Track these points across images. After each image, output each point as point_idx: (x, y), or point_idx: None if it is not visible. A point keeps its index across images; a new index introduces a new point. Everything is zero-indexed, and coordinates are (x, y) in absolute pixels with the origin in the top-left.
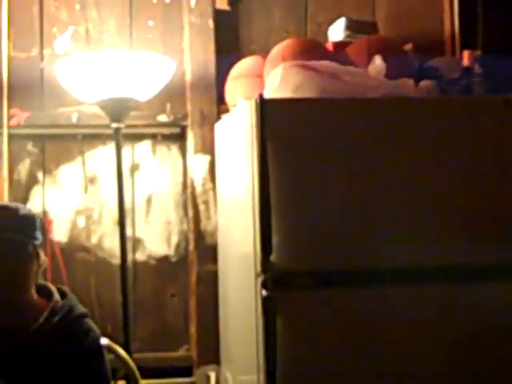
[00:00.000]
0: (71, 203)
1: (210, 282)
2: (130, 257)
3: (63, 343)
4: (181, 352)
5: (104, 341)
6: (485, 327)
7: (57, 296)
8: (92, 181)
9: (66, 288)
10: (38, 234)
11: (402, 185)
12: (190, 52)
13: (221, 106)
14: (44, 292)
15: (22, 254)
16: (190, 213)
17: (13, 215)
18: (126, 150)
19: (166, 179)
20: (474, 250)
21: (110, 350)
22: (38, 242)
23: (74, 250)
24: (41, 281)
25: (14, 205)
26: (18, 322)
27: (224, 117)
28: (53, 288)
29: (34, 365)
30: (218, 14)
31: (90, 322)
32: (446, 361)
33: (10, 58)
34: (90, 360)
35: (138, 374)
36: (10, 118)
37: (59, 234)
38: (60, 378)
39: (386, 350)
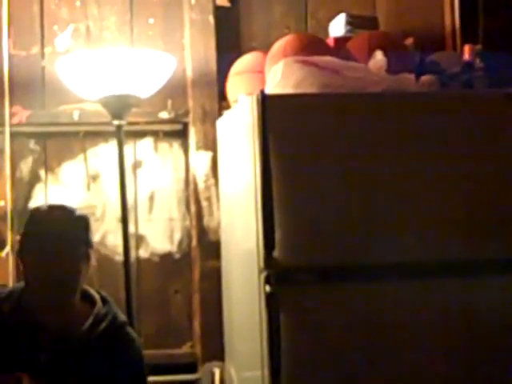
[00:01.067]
0: (74, 201)
1: (214, 279)
2: (133, 254)
3: (109, 351)
4: (185, 349)
5: None
6: (487, 322)
7: (99, 302)
8: (94, 178)
9: (105, 293)
10: (91, 237)
11: (403, 180)
12: (190, 48)
13: (222, 102)
14: (86, 297)
15: (75, 256)
16: (193, 209)
17: (70, 216)
18: (128, 147)
19: (168, 176)
20: (475, 245)
21: None
22: (90, 246)
23: None
24: (84, 286)
25: (69, 206)
26: (61, 323)
27: (225, 113)
28: (94, 293)
29: (76, 370)
30: (218, 11)
31: (132, 330)
32: (449, 356)
33: (10, 57)
34: (135, 368)
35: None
36: (11, 116)
37: None
38: None
39: (389, 344)
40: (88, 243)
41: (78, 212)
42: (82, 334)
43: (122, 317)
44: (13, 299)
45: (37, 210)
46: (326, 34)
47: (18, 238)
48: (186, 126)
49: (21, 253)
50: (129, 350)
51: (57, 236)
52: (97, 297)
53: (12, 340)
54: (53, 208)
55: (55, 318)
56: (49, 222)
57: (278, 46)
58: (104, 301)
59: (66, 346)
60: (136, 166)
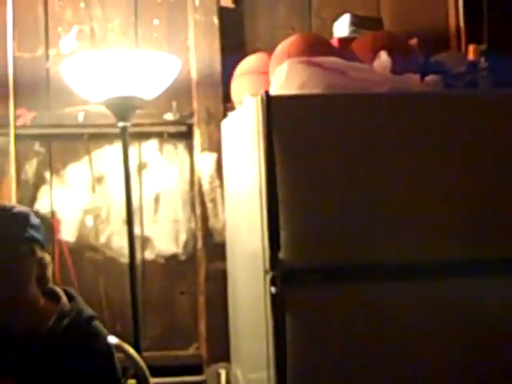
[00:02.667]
0: (79, 203)
1: (219, 280)
2: (138, 256)
3: (73, 347)
4: (190, 350)
5: (113, 340)
6: (488, 323)
7: (64, 299)
8: (99, 180)
9: (72, 290)
10: (33, 232)
11: (408, 179)
12: (195, 50)
13: (227, 103)
14: (51, 295)
15: (15, 253)
16: (198, 211)
17: (5, 214)
18: (133, 148)
19: (173, 177)
20: (477, 246)
21: (119, 348)
22: (31, 239)
23: (82, 250)
24: (49, 285)
25: (9, 204)
26: (25, 324)
27: (230, 114)
28: (60, 291)
29: (43, 368)
30: (222, 12)
31: (98, 324)
32: (452, 356)
33: (15, 59)
34: (100, 363)
35: (147, 372)
36: (16, 118)
37: (67, 233)
38: (70, 382)
39: (395, 345)
40: (29, 239)
41: (15, 209)
42: (47, 331)
43: (89, 311)
44: None
45: None
46: (331, 34)
47: None
48: (190, 127)
49: None
50: (94, 343)
51: None
52: (62, 294)
53: None
54: None
55: (14, 319)
56: None
57: (283, 46)
58: (70, 298)
59: (33, 344)
60: (141, 167)
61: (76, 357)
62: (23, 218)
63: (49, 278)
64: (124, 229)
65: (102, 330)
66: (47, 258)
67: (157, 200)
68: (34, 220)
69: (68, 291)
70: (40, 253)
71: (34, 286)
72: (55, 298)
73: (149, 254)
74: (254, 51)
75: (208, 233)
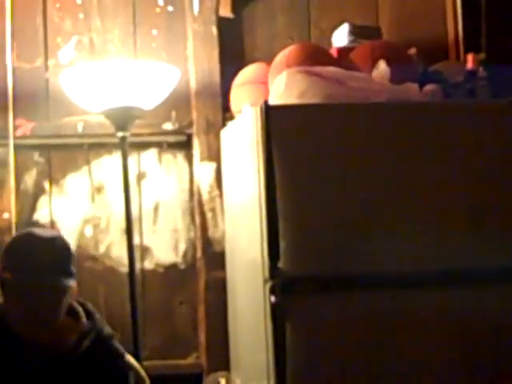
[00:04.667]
0: (78, 212)
1: (219, 289)
2: (137, 265)
3: (93, 366)
4: (190, 359)
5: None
6: (489, 330)
7: (84, 318)
8: (99, 190)
9: (89, 305)
10: (73, 268)
11: (407, 189)
12: (194, 60)
13: (226, 113)
14: (69, 311)
15: (57, 289)
16: (197, 220)
17: (51, 247)
18: (132, 158)
19: (172, 187)
20: (480, 253)
21: None
22: (72, 275)
23: (81, 259)
24: None
25: (51, 234)
26: (45, 339)
27: (229, 124)
28: (78, 307)
29: None
30: (221, 22)
31: (117, 343)
32: (451, 364)
33: (14, 69)
34: (119, 381)
35: (148, 381)
36: (15, 128)
37: None
38: None
39: (394, 354)
40: (69, 274)
41: (60, 241)
42: (68, 351)
43: (108, 330)
44: None
45: (17, 239)
46: (329, 44)
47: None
48: (189, 137)
49: (2, 288)
50: (114, 364)
51: (35, 271)
52: (81, 310)
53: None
54: (32, 238)
55: (39, 336)
56: (27, 256)
57: (282, 56)
58: (88, 314)
59: (53, 361)
60: (140, 177)
61: (96, 376)
62: (67, 253)
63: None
64: (123, 238)
65: (120, 349)
66: (75, 285)
67: (156, 209)
68: (73, 254)
69: (85, 307)
70: (74, 284)
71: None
72: (74, 314)
73: (148, 264)
74: (253, 61)
75: (207, 242)
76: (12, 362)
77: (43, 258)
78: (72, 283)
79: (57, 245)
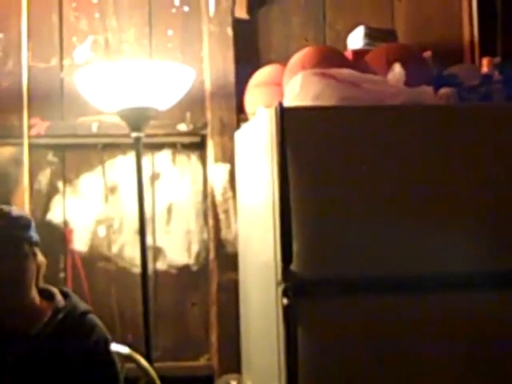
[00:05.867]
0: (92, 213)
1: (231, 291)
2: (150, 266)
3: (68, 341)
4: (202, 361)
5: (125, 350)
6: (494, 334)
7: (59, 296)
8: (112, 190)
9: (67, 289)
10: (33, 234)
11: (421, 192)
12: (209, 61)
13: (240, 114)
14: (46, 295)
15: (18, 253)
16: (211, 222)
17: (5, 216)
18: (146, 159)
19: (186, 188)
20: (486, 257)
21: (131, 359)
22: (33, 241)
23: (94, 260)
24: (43, 285)
25: (6, 207)
26: (21, 325)
27: (244, 125)
28: (55, 290)
29: (40, 366)
30: (237, 23)
31: (94, 317)
32: (458, 367)
33: (29, 68)
34: (97, 354)
35: (159, 383)
36: (30, 127)
37: (80, 243)
38: (67, 378)
39: (408, 357)
40: (30, 241)
41: (16, 212)
42: (42, 326)
43: (83, 306)
44: None
45: None
46: (345, 46)
47: None
48: (204, 138)
49: None
50: (91, 335)
51: None
52: (56, 292)
53: None
54: None
55: (14, 317)
56: None
57: (297, 58)
58: (65, 295)
59: (30, 342)
60: (154, 178)
61: (73, 350)
62: (25, 221)
63: (42, 277)
64: (136, 239)
65: (98, 323)
66: (42, 258)
67: (169, 210)
68: (32, 222)
69: (63, 290)
70: (39, 254)
71: (34, 288)
72: (50, 296)
73: (161, 265)
74: (268, 62)
75: (220, 244)
76: None
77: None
78: (32, 244)
79: (13, 213)
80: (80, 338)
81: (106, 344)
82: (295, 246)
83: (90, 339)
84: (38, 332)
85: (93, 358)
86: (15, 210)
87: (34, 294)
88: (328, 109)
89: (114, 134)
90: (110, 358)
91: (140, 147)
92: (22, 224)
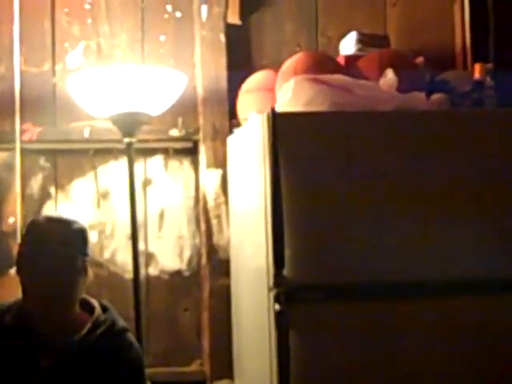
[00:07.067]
0: (84, 218)
1: (223, 297)
2: (142, 271)
3: (104, 357)
4: (194, 366)
5: None
6: (494, 339)
7: (98, 309)
8: (104, 195)
9: (107, 302)
10: (88, 249)
11: (413, 197)
12: (201, 66)
13: (233, 120)
14: (85, 306)
15: (73, 269)
16: (203, 227)
17: (66, 229)
18: (138, 164)
19: (178, 194)
20: (485, 262)
21: None
22: (87, 257)
23: None
24: (83, 296)
25: (67, 218)
26: (59, 335)
27: (236, 131)
28: (95, 302)
29: (71, 378)
30: (229, 29)
31: (132, 336)
32: (455, 372)
33: (22, 73)
34: (131, 373)
35: None
36: (22, 132)
37: None
38: None
39: (399, 363)
40: (85, 255)
41: (76, 224)
42: (80, 338)
43: (122, 323)
44: (13, 311)
45: (34, 222)
46: (337, 52)
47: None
48: (196, 143)
49: (18, 267)
50: (128, 354)
51: (53, 251)
52: (96, 305)
53: (14, 349)
54: (50, 220)
55: (55, 327)
56: (45, 236)
57: (289, 64)
58: (104, 309)
59: (66, 352)
60: (146, 183)
61: (109, 366)
62: (82, 234)
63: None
64: (128, 244)
65: (135, 342)
66: (91, 271)
67: (161, 216)
68: (88, 233)
69: (102, 303)
70: (89, 267)
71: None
72: (89, 308)
73: (153, 270)
74: (261, 68)
75: (212, 249)
76: (27, 357)
77: (58, 233)
78: (87, 260)
79: (73, 225)
80: (116, 355)
81: (141, 365)
82: (287, 252)
83: (125, 358)
84: (75, 343)
85: (125, 377)
86: (75, 223)
87: (77, 305)
88: (320, 114)
89: (106, 139)
90: (143, 379)
91: (132, 152)
92: (80, 239)
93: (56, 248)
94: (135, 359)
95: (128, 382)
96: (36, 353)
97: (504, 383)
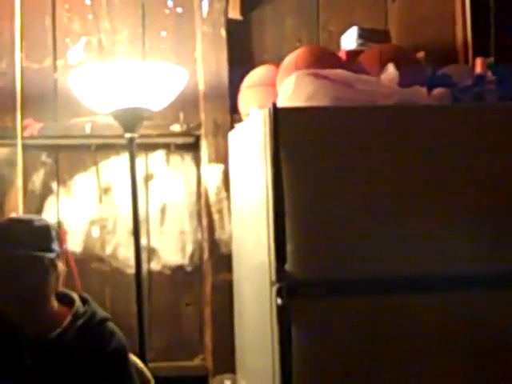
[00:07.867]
0: (86, 213)
1: (225, 291)
2: (144, 266)
3: (87, 347)
4: (196, 361)
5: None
6: (495, 335)
7: (78, 302)
8: (106, 191)
9: (87, 295)
10: (54, 246)
11: (416, 193)
12: (202, 62)
13: (234, 115)
14: (65, 300)
15: (37, 269)
16: (205, 222)
17: (27, 229)
18: (140, 159)
19: (179, 189)
20: (485, 257)
21: None
22: (54, 254)
23: (88, 260)
24: (63, 289)
25: (27, 217)
26: (39, 330)
27: (237, 126)
28: (74, 295)
29: (57, 371)
30: (230, 24)
31: (113, 325)
32: (456, 368)
33: (23, 69)
34: (115, 362)
35: (153, 383)
36: (23, 128)
37: (74, 244)
38: (86, 382)
39: (401, 357)
40: (51, 251)
41: (37, 222)
42: (61, 332)
43: (102, 313)
44: None
45: None
46: (338, 47)
47: None
48: (197, 138)
49: None
50: (109, 343)
51: (13, 254)
52: (76, 297)
53: None
54: (11, 222)
55: (33, 325)
56: (5, 239)
57: (290, 59)
58: (84, 301)
59: (48, 347)
60: (148, 178)
61: (91, 356)
62: (47, 231)
63: (61, 283)
64: (130, 240)
65: (117, 331)
66: (62, 265)
67: (163, 211)
68: (54, 232)
69: (82, 296)
70: (59, 263)
71: (53, 296)
72: (69, 301)
73: (155, 265)
74: (262, 63)
75: (214, 244)
76: (9, 356)
77: (18, 235)
78: (53, 258)
79: (34, 224)
80: (98, 345)
81: (124, 352)
82: (289, 246)
83: (108, 347)
84: (56, 337)
85: (110, 366)
86: (37, 221)
87: (52, 301)
88: (321, 109)
89: (108, 134)
90: (127, 367)
91: (134, 148)
92: (43, 237)
93: (16, 250)
94: (118, 348)
95: (112, 370)
96: (20, 353)
97: (503, 379)
